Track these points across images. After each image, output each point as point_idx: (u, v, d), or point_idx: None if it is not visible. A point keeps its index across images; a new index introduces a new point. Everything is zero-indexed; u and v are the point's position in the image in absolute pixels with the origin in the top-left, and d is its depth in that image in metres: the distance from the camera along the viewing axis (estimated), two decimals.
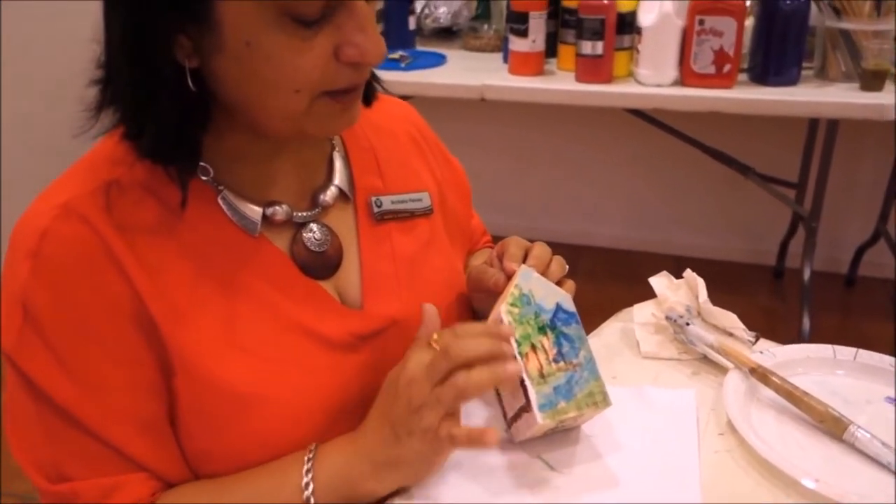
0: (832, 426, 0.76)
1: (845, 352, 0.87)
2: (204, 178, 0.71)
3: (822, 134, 2.27)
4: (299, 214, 0.76)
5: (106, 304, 0.66)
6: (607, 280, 2.78)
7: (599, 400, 0.72)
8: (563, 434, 0.77)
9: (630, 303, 0.99)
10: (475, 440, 0.65)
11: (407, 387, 0.67)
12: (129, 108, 0.66)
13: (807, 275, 2.28)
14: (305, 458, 0.69)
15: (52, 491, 0.68)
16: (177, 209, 0.69)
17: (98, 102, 0.67)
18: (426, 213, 0.86)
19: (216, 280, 0.70)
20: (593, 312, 1.00)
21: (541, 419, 0.70)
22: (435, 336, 0.70)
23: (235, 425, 0.69)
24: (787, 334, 2.44)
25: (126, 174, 0.69)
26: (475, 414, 0.80)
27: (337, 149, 0.82)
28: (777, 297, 2.76)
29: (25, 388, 0.67)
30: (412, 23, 2.41)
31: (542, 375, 0.71)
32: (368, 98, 0.78)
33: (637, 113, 2.26)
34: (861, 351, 0.87)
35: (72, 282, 0.65)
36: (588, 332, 0.94)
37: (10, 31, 2.39)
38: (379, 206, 0.82)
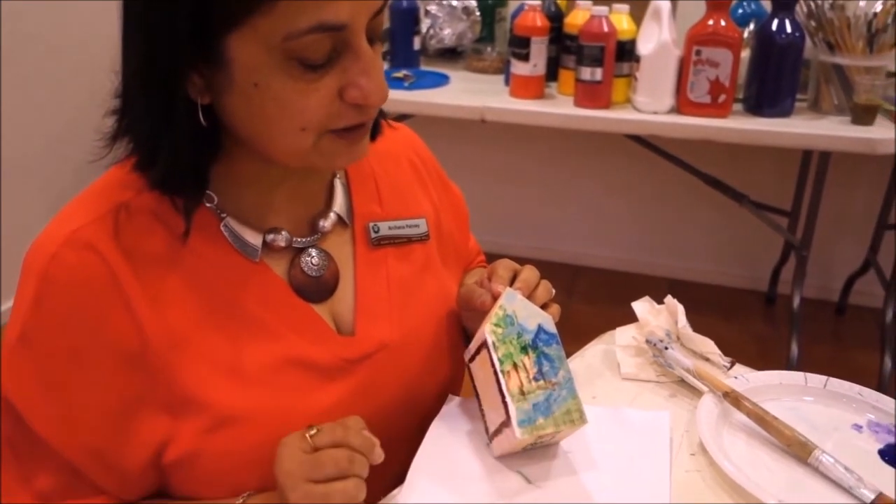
0: (798, 450, 0.79)
1: (816, 379, 0.91)
2: (208, 204, 0.74)
3: (814, 164, 2.31)
4: (299, 240, 0.79)
5: (102, 334, 0.69)
6: (604, 301, 2.81)
7: (576, 418, 0.76)
8: (542, 449, 0.80)
9: (625, 324, 1.03)
10: None
11: (285, 476, 0.66)
12: (142, 140, 0.69)
13: (796, 303, 2.32)
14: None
15: None
16: (181, 236, 0.72)
17: (114, 131, 0.70)
18: (422, 238, 0.89)
19: (216, 305, 0.73)
20: (589, 332, 1.03)
21: (519, 434, 0.73)
22: (313, 430, 0.68)
23: (223, 447, 0.71)
24: (777, 360, 2.47)
25: (135, 199, 0.72)
26: (459, 428, 0.83)
27: (338, 175, 0.85)
28: (769, 323, 2.79)
29: (5, 408, 0.70)
30: (417, 43, 2.46)
31: (522, 393, 0.75)
32: (374, 133, 0.80)
33: (635, 138, 2.30)
34: (831, 379, 0.90)
35: (73, 309, 0.68)
36: (575, 351, 0.98)
37: (10, 31, 2.41)
38: (376, 232, 0.85)
